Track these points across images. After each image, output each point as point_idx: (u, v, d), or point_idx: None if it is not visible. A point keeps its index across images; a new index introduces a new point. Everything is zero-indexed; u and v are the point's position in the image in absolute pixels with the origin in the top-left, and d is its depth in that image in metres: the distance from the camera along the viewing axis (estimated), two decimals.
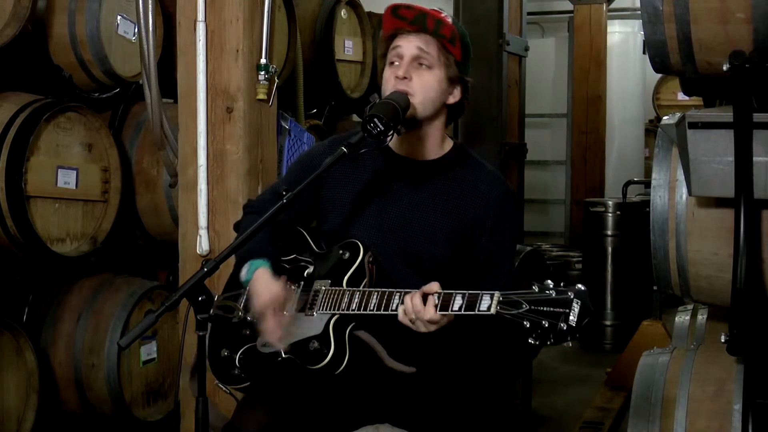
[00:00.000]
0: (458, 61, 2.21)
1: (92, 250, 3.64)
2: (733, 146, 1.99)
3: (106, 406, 3.64)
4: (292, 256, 2.33)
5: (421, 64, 2.18)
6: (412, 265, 2.22)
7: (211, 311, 1.90)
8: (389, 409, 2.19)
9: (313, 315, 2.17)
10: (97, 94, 3.89)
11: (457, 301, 1.94)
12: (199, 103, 3.08)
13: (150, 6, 3.22)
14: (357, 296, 2.11)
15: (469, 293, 1.94)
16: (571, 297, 1.83)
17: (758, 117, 1.98)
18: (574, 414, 4.76)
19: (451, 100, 2.25)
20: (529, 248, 4.67)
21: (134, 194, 3.90)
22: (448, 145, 2.31)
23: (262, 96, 3.09)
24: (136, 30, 3.47)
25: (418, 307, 1.97)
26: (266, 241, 2.28)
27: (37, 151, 3.36)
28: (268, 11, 3.10)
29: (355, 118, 5.37)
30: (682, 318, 3.01)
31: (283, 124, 3.55)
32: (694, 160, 2.05)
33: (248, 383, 2.23)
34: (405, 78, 2.17)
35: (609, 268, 6.35)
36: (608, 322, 6.33)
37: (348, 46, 4.78)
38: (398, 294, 2.04)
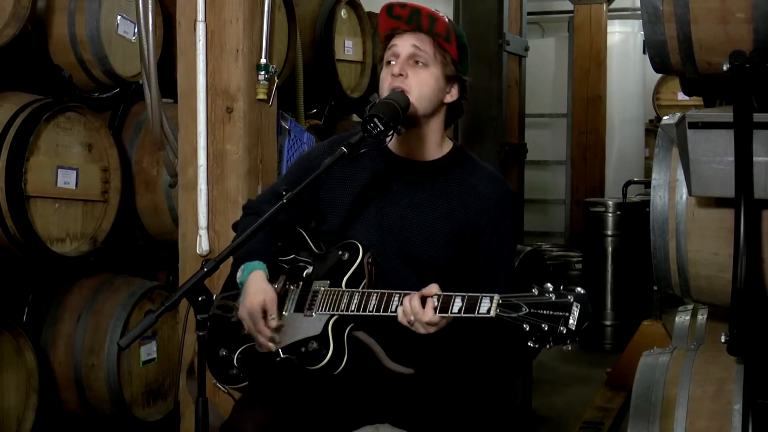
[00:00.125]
0: (455, 60, 2.21)
1: (92, 250, 3.64)
2: (733, 146, 1.99)
3: (106, 406, 3.64)
4: (291, 257, 2.33)
5: (417, 62, 2.19)
6: (411, 266, 2.22)
7: (210, 311, 1.90)
8: (388, 410, 2.19)
9: (312, 315, 2.17)
10: (97, 94, 3.89)
11: (457, 304, 1.94)
12: (199, 103, 3.08)
13: (150, 6, 3.22)
14: (356, 297, 2.10)
15: (469, 295, 1.94)
16: (571, 300, 1.83)
17: (758, 117, 1.98)
18: (574, 414, 4.76)
19: (449, 98, 2.25)
20: (529, 248, 4.67)
21: (134, 194, 3.90)
22: (448, 146, 2.31)
23: (262, 96, 3.09)
24: (136, 30, 3.47)
25: (416, 309, 1.97)
26: (265, 242, 2.29)
27: (37, 151, 3.36)
28: (268, 11, 3.10)
29: (355, 118, 5.37)
30: (682, 318, 3.01)
31: (283, 124, 3.55)
32: (694, 160, 2.04)
33: (246, 383, 2.23)
34: (401, 75, 2.17)
35: (609, 268, 6.35)
36: (608, 322, 6.32)
37: (348, 46, 4.78)
38: (397, 295, 2.04)
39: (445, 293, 1.97)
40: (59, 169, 3.46)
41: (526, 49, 5.40)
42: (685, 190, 2.20)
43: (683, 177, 2.19)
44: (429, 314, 1.96)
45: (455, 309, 1.94)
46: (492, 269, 2.23)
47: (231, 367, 2.25)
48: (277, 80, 3.17)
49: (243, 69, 3.06)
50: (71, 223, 3.56)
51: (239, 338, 2.26)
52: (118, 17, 3.77)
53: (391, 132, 2.08)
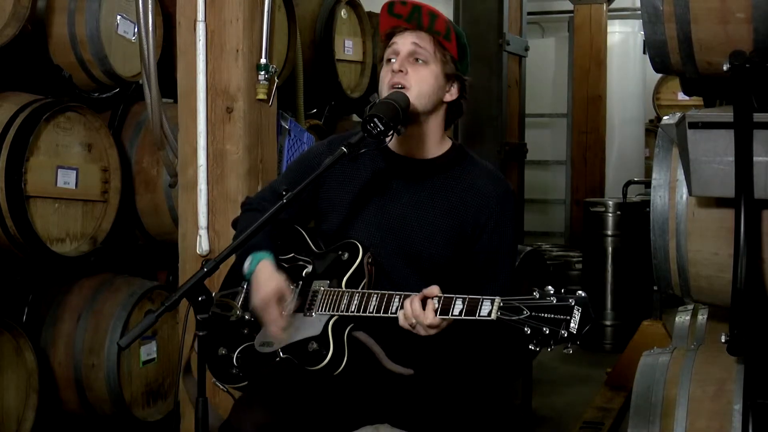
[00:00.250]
0: (454, 58, 2.21)
1: (92, 250, 3.64)
2: (733, 146, 1.99)
3: (105, 406, 3.64)
4: (290, 256, 2.33)
5: (417, 60, 2.19)
6: (412, 265, 2.22)
7: (210, 310, 1.90)
8: (388, 410, 2.18)
9: (311, 315, 2.16)
10: (97, 94, 3.89)
11: (457, 306, 1.94)
12: (199, 103, 3.08)
13: (150, 6, 3.22)
14: (356, 298, 2.10)
15: (470, 298, 1.94)
16: (572, 304, 1.83)
17: (758, 117, 1.97)
18: (574, 414, 4.76)
19: (448, 97, 2.25)
20: (529, 248, 4.67)
21: (134, 194, 3.90)
22: (447, 144, 2.31)
23: (262, 96, 3.09)
24: (136, 30, 3.47)
25: (417, 311, 1.97)
26: (266, 240, 2.28)
27: (37, 151, 3.36)
28: (268, 11, 3.10)
29: (355, 118, 5.37)
30: (682, 318, 3.01)
31: (283, 124, 3.55)
32: (694, 160, 2.04)
33: (246, 383, 2.23)
34: (401, 71, 2.17)
35: (609, 268, 6.35)
36: (608, 322, 6.33)
37: (348, 46, 4.78)
38: (398, 296, 2.04)
39: (445, 295, 1.97)
40: (59, 169, 3.46)
41: (526, 49, 5.40)
42: (685, 190, 2.20)
43: (683, 177, 2.19)
44: (430, 317, 1.96)
45: (456, 311, 1.93)
46: (493, 267, 2.23)
47: (231, 367, 2.24)
48: (277, 80, 3.17)
49: (243, 69, 3.06)
50: (71, 223, 3.56)
51: (238, 337, 2.26)
52: (118, 17, 3.77)
53: (391, 132, 2.08)
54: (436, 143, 2.28)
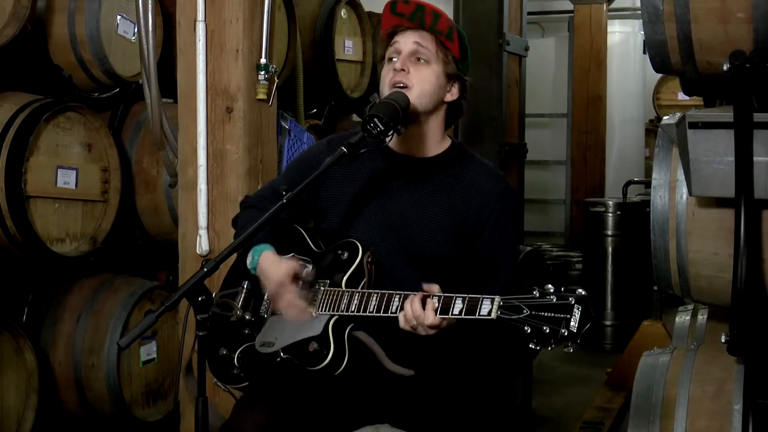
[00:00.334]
0: (456, 58, 2.21)
1: (92, 250, 3.64)
2: (733, 146, 1.99)
3: (105, 406, 3.64)
4: (290, 255, 2.33)
5: (418, 59, 2.19)
6: (413, 263, 2.22)
7: (210, 310, 1.90)
8: (389, 410, 2.18)
9: (312, 315, 2.16)
10: (96, 94, 3.89)
11: (457, 305, 1.94)
12: (198, 103, 3.08)
13: (150, 6, 3.22)
14: (356, 297, 2.10)
15: (470, 297, 1.93)
16: (573, 302, 1.83)
17: (758, 117, 1.97)
18: (574, 414, 4.76)
19: (449, 97, 2.25)
20: (529, 248, 4.67)
21: (134, 194, 3.90)
22: (447, 143, 2.31)
23: (262, 96, 3.09)
24: (136, 30, 3.47)
25: (417, 312, 1.97)
26: (266, 238, 2.28)
27: (37, 151, 3.36)
28: (268, 11, 3.10)
29: (355, 118, 5.37)
30: (682, 318, 3.01)
31: (283, 124, 3.55)
32: (694, 160, 2.04)
33: (247, 383, 2.23)
34: (402, 70, 2.17)
35: (609, 268, 6.35)
36: (608, 322, 6.33)
37: (348, 46, 4.78)
38: (398, 296, 2.04)
39: (445, 294, 1.97)
40: (59, 169, 3.46)
41: (526, 49, 5.40)
42: (685, 190, 2.20)
43: (683, 177, 2.19)
44: (430, 317, 1.95)
45: (456, 310, 1.93)
46: (494, 265, 2.23)
47: (231, 367, 2.24)
48: (277, 80, 3.17)
49: (243, 69, 3.06)
50: (71, 223, 3.56)
51: (239, 337, 2.26)
52: (118, 17, 3.77)
53: (391, 132, 2.08)
54: (436, 142, 2.28)
